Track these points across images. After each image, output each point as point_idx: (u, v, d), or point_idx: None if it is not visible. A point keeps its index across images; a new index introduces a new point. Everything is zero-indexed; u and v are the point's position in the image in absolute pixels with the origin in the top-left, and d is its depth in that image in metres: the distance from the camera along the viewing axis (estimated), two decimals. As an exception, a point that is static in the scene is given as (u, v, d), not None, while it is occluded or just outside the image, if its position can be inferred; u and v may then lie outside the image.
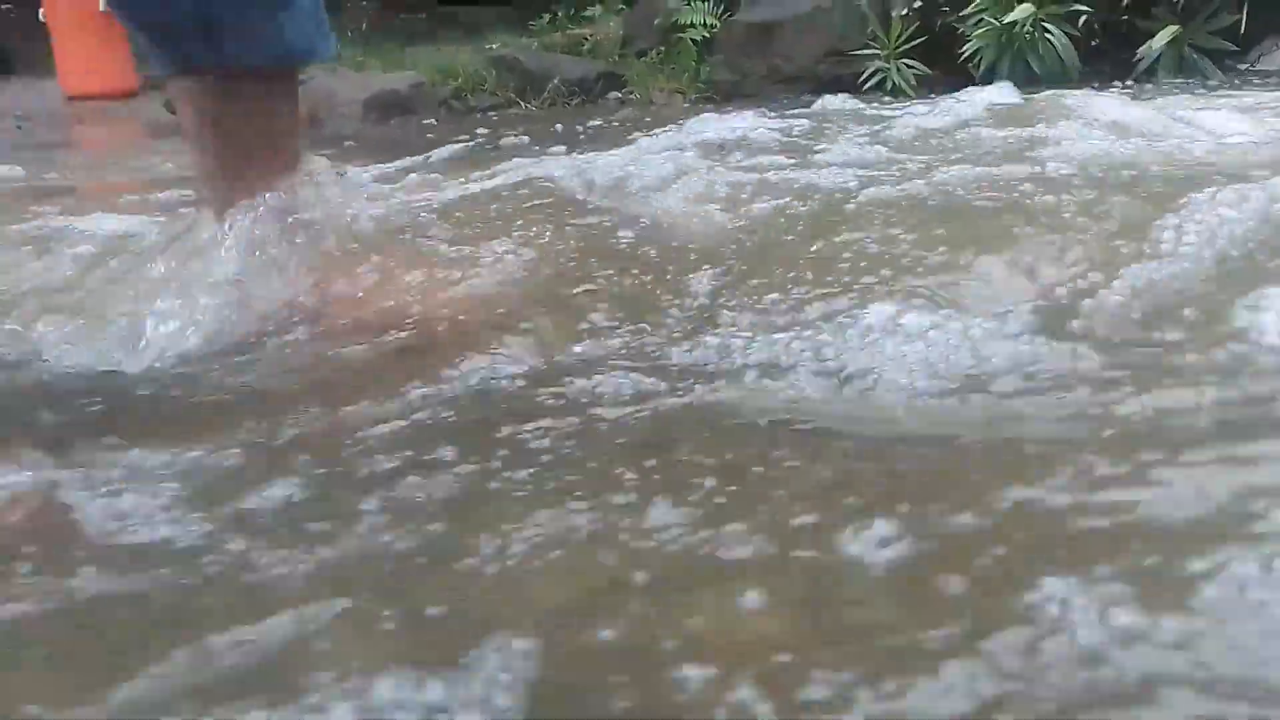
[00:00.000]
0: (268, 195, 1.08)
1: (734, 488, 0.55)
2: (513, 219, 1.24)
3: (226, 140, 1.10)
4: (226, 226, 1.07)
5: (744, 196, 1.22)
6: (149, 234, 1.20)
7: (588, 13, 7.12)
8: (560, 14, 7.28)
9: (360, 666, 0.40)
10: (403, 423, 0.69)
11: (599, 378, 0.74)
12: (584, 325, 0.89)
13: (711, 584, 0.45)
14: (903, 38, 3.76)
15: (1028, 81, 3.36)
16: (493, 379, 0.78)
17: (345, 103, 4.66)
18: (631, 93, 5.93)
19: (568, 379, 0.75)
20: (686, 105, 5.12)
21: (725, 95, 5.10)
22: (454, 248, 1.13)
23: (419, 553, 0.51)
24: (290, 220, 1.08)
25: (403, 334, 0.94)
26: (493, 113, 5.51)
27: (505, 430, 0.65)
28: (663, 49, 6.15)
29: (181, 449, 0.67)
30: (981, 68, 3.47)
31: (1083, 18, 3.48)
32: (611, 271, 1.03)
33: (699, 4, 5.93)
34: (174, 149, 3.42)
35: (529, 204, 1.29)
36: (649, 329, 0.88)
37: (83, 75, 5.04)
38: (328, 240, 1.05)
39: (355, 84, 4.74)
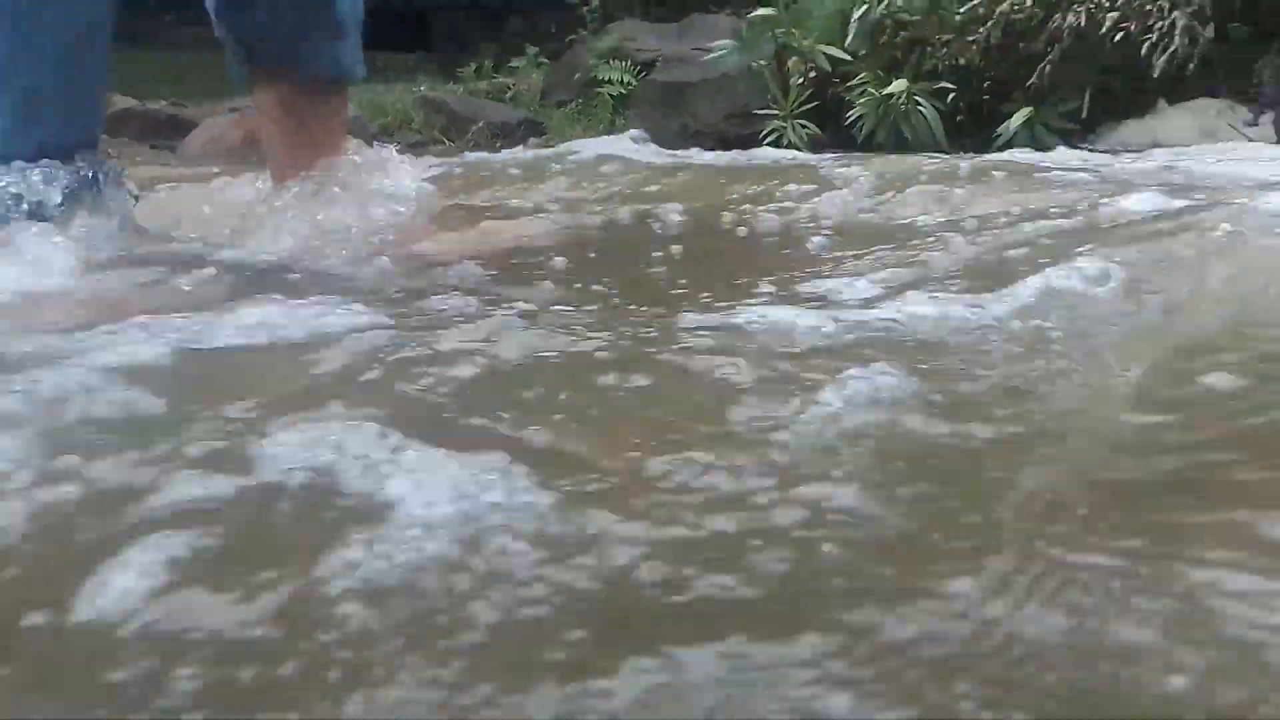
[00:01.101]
0: (316, 170, 1.45)
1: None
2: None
3: (293, 131, 1.46)
4: (285, 190, 1.44)
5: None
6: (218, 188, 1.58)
7: (513, 64, 7.57)
8: (486, 63, 7.71)
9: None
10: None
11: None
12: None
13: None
14: (798, 102, 4.29)
15: (900, 148, 3.91)
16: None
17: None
18: (551, 139, 6.37)
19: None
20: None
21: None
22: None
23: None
24: (330, 187, 1.45)
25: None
26: (419, 151, 5.85)
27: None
28: (581, 101, 6.62)
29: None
30: (863, 132, 4.02)
31: (950, 95, 4.07)
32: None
33: (616, 63, 6.42)
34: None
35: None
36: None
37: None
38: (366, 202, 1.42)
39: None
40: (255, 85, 1.49)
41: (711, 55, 4.71)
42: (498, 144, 6.26)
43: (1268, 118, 4.23)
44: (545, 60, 7.56)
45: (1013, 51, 4.07)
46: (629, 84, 6.16)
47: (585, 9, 7.43)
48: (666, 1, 7.85)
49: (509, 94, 7.28)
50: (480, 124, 6.52)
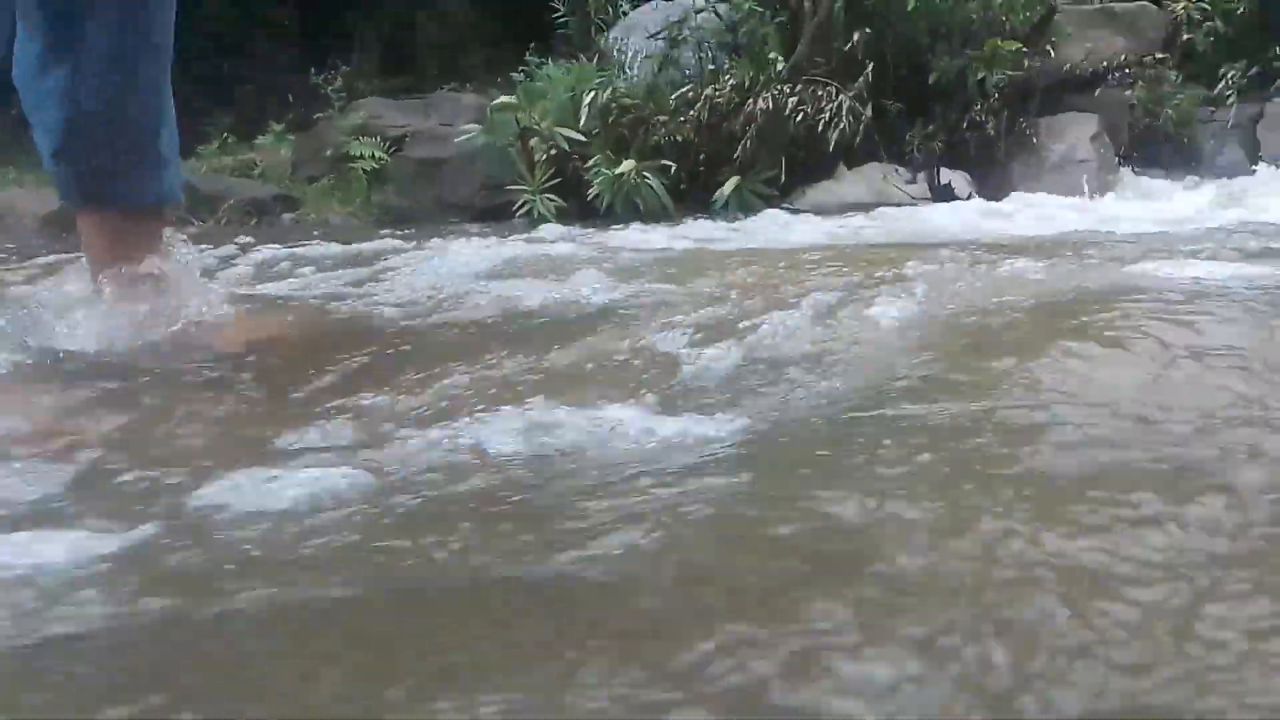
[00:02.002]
0: (126, 269, 1.72)
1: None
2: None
3: (117, 248, 1.73)
4: (103, 284, 1.70)
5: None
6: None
7: (257, 140, 7.63)
8: (229, 139, 7.71)
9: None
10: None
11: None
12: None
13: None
14: (544, 178, 4.80)
15: (636, 216, 4.51)
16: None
17: (24, 215, 4.88)
18: (308, 214, 6.52)
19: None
20: (362, 226, 5.84)
21: (398, 219, 5.86)
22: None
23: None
24: (144, 283, 1.73)
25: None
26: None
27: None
28: (334, 176, 6.82)
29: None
30: (603, 205, 4.59)
31: (673, 168, 4.73)
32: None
33: (366, 140, 6.70)
34: None
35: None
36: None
37: None
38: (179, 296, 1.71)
39: (37, 199, 4.96)
40: (81, 209, 1.74)
41: (461, 138, 5.14)
42: (253, 221, 6.36)
43: (922, 177, 5.23)
44: (290, 136, 7.66)
45: (719, 130, 4.81)
46: (381, 159, 6.45)
47: (330, 89, 7.65)
48: (403, 76, 8.20)
49: (256, 170, 7.32)
50: (231, 201, 6.55)
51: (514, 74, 5.83)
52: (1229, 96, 5.52)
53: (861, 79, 4.76)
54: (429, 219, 5.26)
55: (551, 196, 4.75)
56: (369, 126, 6.80)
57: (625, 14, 5.78)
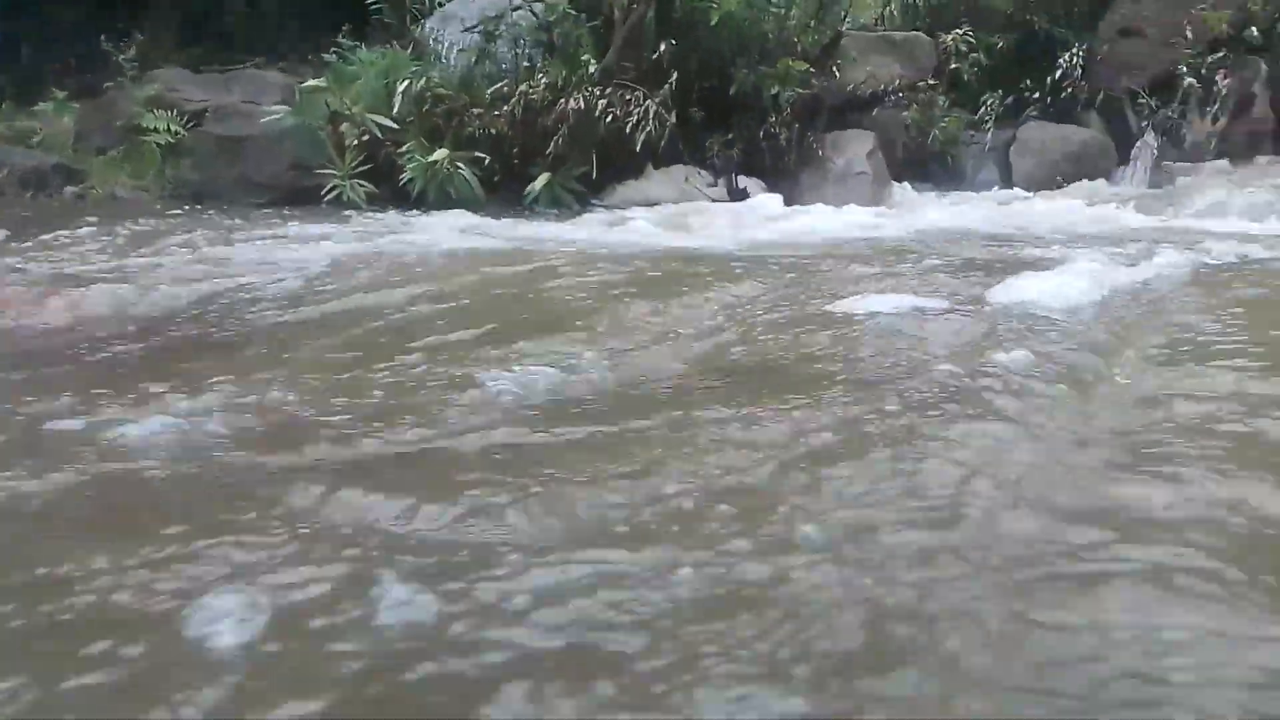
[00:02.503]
0: None
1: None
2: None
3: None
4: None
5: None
6: None
7: (37, 107, 7.09)
8: (4, 104, 7.14)
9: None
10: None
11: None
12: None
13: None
14: (354, 163, 4.79)
15: (449, 204, 4.59)
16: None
17: None
18: (91, 187, 6.14)
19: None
20: (151, 201, 5.58)
21: (195, 196, 5.64)
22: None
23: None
24: None
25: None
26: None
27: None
28: (124, 148, 6.45)
29: None
30: (415, 191, 4.65)
31: (486, 160, 4.84)
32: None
33: (161, 112, 6.39)
34: None
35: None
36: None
37: None
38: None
39: None
40: None
41: (267, 119, 5.04)
42: (30, 193, 5.94)
43: (721, 181, 5.58)
44: (74, 104, 7.18)
45: (534, 125, 4.95)
46: (177, 133, 6.18)
47: (121, 57, 7.22)
48: (202, 48, 7.84)
49: (36, 138, 6.84)
50: (5, 171, 6.10)
51: (325, 55, 5.74)
52: (988, 122, 6.17)
53: (667, 86, 5.04)
54: (229, 197, 5.12)
55: (362, 182, 4.75)
56: (164, 98, 6.49)
57: (441, 4, 5.81)
